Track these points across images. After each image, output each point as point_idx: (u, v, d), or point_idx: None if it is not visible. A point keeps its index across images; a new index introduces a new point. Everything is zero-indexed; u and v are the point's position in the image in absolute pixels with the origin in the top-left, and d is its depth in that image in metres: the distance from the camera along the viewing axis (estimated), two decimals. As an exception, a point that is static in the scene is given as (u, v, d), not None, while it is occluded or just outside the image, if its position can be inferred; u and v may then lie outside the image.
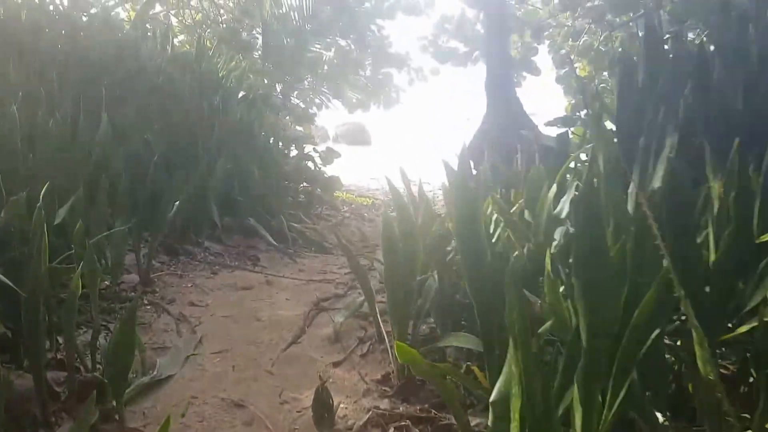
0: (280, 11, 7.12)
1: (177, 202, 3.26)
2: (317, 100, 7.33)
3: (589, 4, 6.16)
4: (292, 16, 7.11)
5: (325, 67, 6.85)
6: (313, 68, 6.62)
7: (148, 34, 5.52)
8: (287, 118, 5.93)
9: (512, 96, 5.77)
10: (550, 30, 6.77)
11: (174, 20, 7.85)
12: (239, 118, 5.09)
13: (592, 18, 6.41)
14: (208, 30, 6.97)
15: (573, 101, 7.51)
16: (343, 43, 7.86)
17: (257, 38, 7.02)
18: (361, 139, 16.65)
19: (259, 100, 5.48)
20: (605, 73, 6.49)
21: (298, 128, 6.08)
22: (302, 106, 6.82)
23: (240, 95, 5.74)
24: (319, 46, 7.14)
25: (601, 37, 6.58)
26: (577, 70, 7.56)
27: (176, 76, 4.62)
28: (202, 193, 3.73)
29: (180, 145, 3.93)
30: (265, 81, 6.55)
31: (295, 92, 7.05)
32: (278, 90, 6.67)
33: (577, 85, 7.28)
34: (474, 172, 5.11)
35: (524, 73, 8.09)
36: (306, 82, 6.91)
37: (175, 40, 7.73)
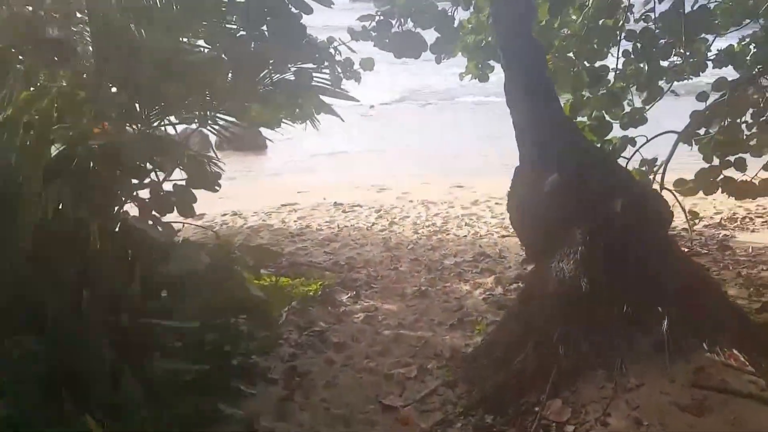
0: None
1: None
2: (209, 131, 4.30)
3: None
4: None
5: (229, 77, 3.89)
6: (203, 82, 3.61)
7: None
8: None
9: (555, 105, 3.22)
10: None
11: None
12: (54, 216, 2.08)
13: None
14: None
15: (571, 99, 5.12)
16: (235, 27, 4.79)
17: (83, 34, 3.86)
18: (254, 144, 13.33)
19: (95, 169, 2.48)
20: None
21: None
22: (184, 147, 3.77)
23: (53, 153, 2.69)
24: (198, 45, 4.08)
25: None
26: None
27: None
28: None
29: None
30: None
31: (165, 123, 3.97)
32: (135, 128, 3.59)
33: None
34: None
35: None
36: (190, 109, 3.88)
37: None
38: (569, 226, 2.72)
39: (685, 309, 2.51)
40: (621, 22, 4.18)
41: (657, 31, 4.03)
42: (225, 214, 8.04)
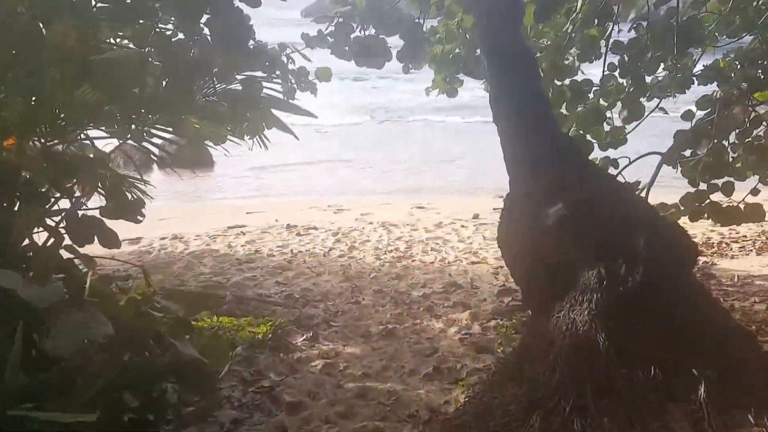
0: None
1: None
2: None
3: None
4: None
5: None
6: (127, 87, 2.95)
7: None
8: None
9: (553, 122, 2.74)
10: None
11: None
12: None
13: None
14: None
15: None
16: (171, 29, 4.20)
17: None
18: (200, 160, 12.46)
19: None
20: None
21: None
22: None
23: None
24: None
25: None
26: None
27: None
28: None
29: None
30: None
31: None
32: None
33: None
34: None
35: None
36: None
37: None
38: (579, 267, 2.21)
39: (722, 369, 2.04)
40: (609, 31, 3.78)
41: (648, 42, 3.64)
42: (164, 238, 7.24)
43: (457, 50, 4.77)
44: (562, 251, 2.32)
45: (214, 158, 12.69)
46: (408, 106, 19.94)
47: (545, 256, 2.38)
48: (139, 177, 3.56)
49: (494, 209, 8.25)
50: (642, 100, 4.28)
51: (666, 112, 4.08)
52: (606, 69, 3.88)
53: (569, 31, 3.81)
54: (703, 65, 4.11)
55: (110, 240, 3.04)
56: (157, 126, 3.74)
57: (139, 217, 2.69)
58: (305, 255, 6.21)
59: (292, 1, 4.53)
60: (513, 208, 2.61)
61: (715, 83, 4.18)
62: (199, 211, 9.80)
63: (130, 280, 5.26)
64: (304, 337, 3.92)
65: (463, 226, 7.12)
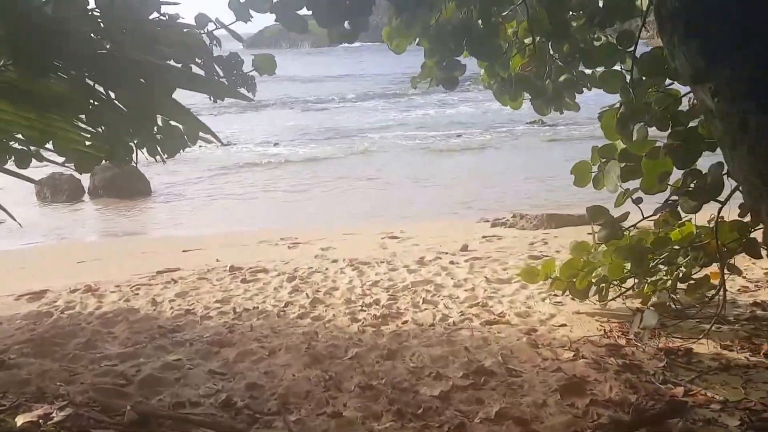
0: None
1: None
2: None
3: None
4: None
5: None
6: None
7: None
8: None
9: None
10: None
11: None
12: None
13: None
14: None
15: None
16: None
17: None
18: (136, 189, 10.26)
19: None
20: None
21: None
22: None
23: None
24: None
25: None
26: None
27: None
28: None
29: None
30: None
31: None
32: None
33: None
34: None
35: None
36: None
37: None
38: None
39: None
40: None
41: None
42: (76, 290, 5.05)
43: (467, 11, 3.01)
44: None
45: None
46: (359, 126, 18.33)
47: None
48: None
49: (484, 237, 6.62)
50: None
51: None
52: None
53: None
54: None
55: None
56: None
57: None
58: (253, 315, 4.24)
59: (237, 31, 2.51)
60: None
61: None
62: (128, 249, 7.62)
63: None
64: None
65: (453, 263, 5.32)
